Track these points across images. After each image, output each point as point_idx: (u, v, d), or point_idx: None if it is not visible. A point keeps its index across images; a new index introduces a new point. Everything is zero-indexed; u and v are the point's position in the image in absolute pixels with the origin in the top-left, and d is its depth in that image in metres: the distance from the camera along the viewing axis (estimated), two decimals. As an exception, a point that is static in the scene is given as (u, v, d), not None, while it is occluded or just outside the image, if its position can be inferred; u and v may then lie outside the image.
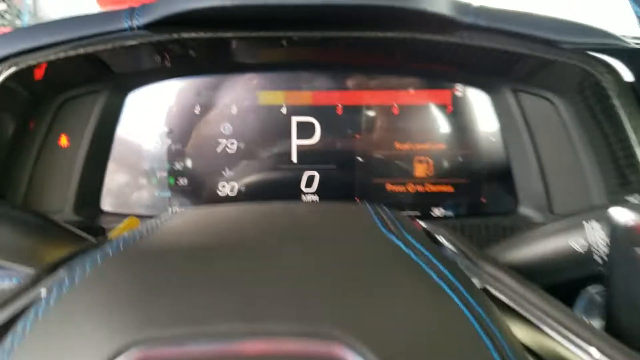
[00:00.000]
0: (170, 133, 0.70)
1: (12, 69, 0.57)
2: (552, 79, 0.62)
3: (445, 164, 0.70)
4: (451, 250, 0.42)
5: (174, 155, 0.71)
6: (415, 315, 0.26)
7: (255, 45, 0.65)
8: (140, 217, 0.71)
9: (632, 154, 0.54)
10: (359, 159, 0.70)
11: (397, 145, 0.70)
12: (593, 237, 0.41)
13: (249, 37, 0.60)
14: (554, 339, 0.30)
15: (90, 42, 0.59)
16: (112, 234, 0.49)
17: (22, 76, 0.59)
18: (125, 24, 0.60)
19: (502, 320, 0.29)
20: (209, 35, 0.58)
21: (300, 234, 0.35)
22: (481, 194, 0.71)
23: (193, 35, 0.58)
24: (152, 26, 0.59)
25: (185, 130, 0.70)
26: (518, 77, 0.64)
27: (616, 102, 0.55)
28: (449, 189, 0.71)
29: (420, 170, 0.71)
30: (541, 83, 0.64)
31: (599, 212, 0.40)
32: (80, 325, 0.25)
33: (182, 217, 0.41)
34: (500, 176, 0.70)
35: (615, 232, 0.36)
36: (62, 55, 0.58)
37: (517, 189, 0.70)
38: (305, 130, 0.70)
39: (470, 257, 0.39)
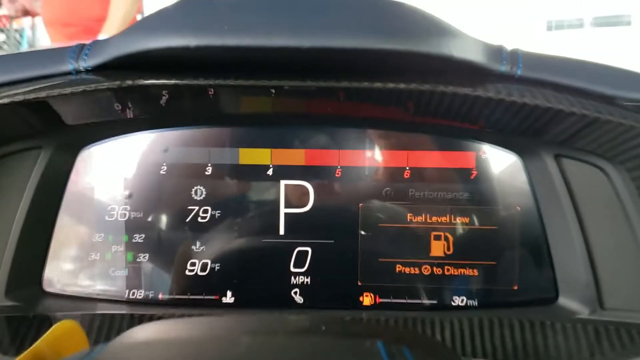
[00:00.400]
0: (129, 198, 0.57)
1: None
2: (605, 143, 0.50)
3: (468, 241, 0.57)
4: None
5: (134, 225, 0.57)
6: None
7: (236, 93, 0.53)
8: (92, 300, 0.58)
9: None
10: (362, 232, 0.57)
11: (409, 217, 0.57)
12: None
13: (224, 86, 0.48)
14: None
15: (25, 87, 0.47)
16: (39, 345, 0.36)
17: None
18: (69, 66, 0.47)
19: None
20: (173, 82, 0.46)
21: None
22: (512, 280, 0.57)
23: (153, 82, 0.46)
24: (102, 69, 0.47)
25: (148, 195, 0.57)
26: (561, 139, 0.52)
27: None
28: (472, 272, 0.57)
29: (437, 248, 0.57)
30: (591, 147, 0.51)
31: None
32: None
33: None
34: (536, 258, 0.57)
35: None
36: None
37: (557, 274, 0.56)
38: (296, 196, 0.57)
39: None
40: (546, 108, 0.45)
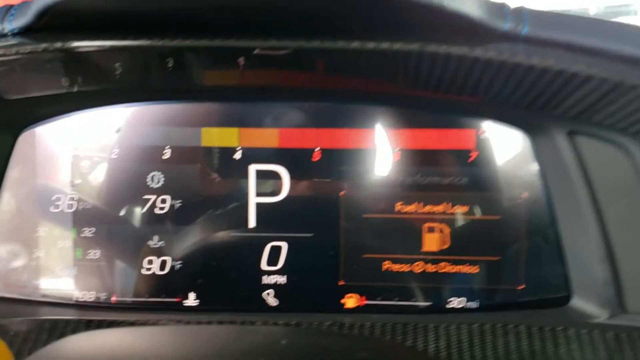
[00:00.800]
0: (77, 186, 0.50)
1: None
2: (629, 115, 0.42)
3: (467, 234, 0.50)
4: None
5: (83, 217, 0.50)
6: None
7: (197, 61, 0.45)
8: (36, 303, 0.51)
9: None
10: (344, 224, 0.49)
11: (399, 206, 0.50)
12: None
13: (180, 48, 0.41)
14: None
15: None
16: None
17: None
18: (-1, 27, 0.40)
19: None
20: (112, 43, 0.39)
21: None
22: (518, 278, 0.49)
23: (88, 43, 0.39)
24: (31, 31, 0.40)
25: (98, 183, 0.50)
26: (576, 112, 0.44)
27: None
28: (472, 269, 0.50)
29: (431, 242, 0.50)
30: (611, 121, 0.43)
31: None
32: None
33: None
34: (546, 252, 0.49)
35: None
36: None
37: (571, 271, 0.49)
38: (267, 183, 0.50)
39: None
40: (558, 71, 0.38)
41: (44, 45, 0.38)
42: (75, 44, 0.39)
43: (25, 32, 0.41)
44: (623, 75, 0.37)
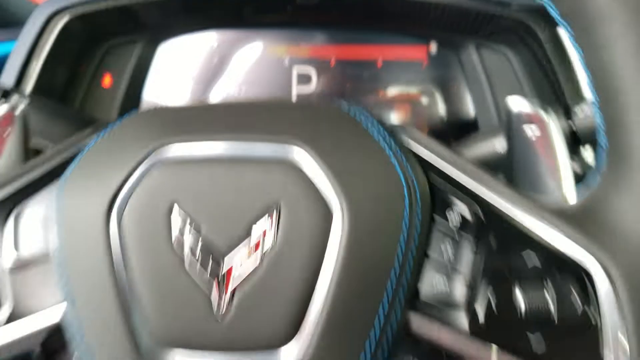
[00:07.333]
0: (192, 81, 0.85)
1: (67, 17, 0.73)
2: (505, 34, 0.75)
3: (422, 110, 0.84)
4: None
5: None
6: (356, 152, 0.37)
7: (265, 7, 0.80)
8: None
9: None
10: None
11: (381, 93, 0.84)
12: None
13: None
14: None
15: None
16: None
17: (76, 24, 0.74)
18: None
19: (418, 170, 0.38)
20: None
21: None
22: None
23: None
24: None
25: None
26: (481, 35, 0.78)
27: (550, 54, 0.68)
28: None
29: (400, 114, 0.84)
30: (497, 39, 0.77)
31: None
32: (121, 140, 0.38)
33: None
34: (464, 122, 0.83)
35: (511, 116, 0.49)
36: (106, 6, 0.74)
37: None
38: (304, 79, 0.84)
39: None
40: (464, 8, 0.71)
41: None
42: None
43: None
44: (495, 9, 0.70)
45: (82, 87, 0.81)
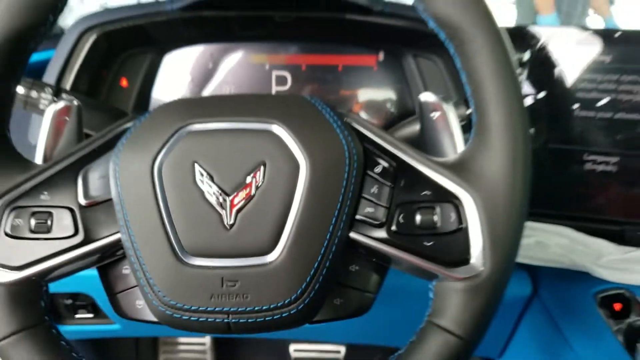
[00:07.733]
0: (191, 82, 1.07)
1: (95, 33, 0.94)
2: (434, 47, 0.98)
3: (373, 105, 1.06)
4: None
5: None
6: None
7: (251, 23, 1.01)
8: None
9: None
10: (316, 101, 1.06)
11: (342, 92, 1.06)
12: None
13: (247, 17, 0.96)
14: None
15: (142, 17, 0.95)
16: None
17: (101, 39, 0.95)
18: (167, 7, 0.96)
19: (355, 139, 0.53)
20: (225, 14, 0.94)
21: None
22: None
23: (214, 13, 0.94)
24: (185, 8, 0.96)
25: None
26: (416, 47, 1.00)
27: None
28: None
29: (356, 108, 1.07)
30: (429, 50, 1.00)
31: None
32: (158, 121, 0.54)
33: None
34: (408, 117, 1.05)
35: (421, 106, 0.70)
36: (125, 25, 0.94)
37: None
38: (281, 81, 1.06)
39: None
40: (405, 28, 0.93)
41: (188, 15, 0.94)
42: (207, 14, 0.94)
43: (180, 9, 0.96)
44: (416, 25, 0.93)
45: (105, 88, 1.02)
